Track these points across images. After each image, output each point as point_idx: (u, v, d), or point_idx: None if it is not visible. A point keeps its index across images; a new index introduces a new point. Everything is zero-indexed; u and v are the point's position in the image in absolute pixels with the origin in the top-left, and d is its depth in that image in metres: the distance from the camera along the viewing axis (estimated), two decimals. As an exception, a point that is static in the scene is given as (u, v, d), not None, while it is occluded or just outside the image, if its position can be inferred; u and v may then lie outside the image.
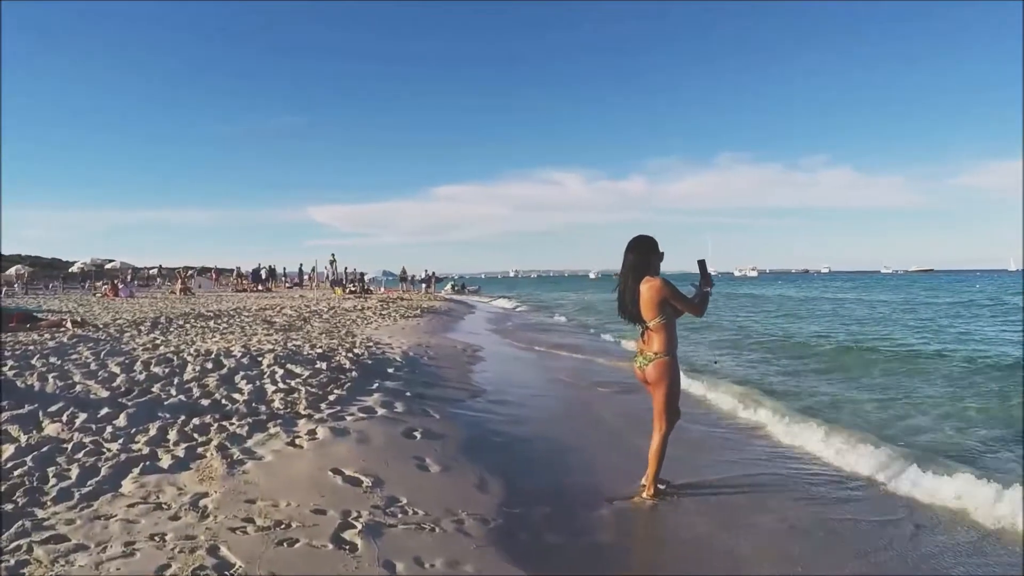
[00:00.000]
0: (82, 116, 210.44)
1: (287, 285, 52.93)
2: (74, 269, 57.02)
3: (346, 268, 50.65)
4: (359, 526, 4.40)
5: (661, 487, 5.58)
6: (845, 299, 46.88)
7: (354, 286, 46.69)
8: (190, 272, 48.35)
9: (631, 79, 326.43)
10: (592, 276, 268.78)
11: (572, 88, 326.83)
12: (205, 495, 4.87)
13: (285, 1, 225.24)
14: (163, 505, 4.69)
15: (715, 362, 13.60)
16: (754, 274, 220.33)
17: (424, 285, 53.90)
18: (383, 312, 22.67)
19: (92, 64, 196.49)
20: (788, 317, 29.84)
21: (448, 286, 63.04)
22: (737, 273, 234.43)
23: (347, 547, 4.12)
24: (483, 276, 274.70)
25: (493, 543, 4.42)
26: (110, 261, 55.05)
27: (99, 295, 34.95)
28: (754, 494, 5.71)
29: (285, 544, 4.10)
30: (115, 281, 38.30)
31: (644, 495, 5.42)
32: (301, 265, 53.68)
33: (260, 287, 45.34)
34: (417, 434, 6.80)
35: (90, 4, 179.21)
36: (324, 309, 23.30)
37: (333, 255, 46.52)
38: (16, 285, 43.63)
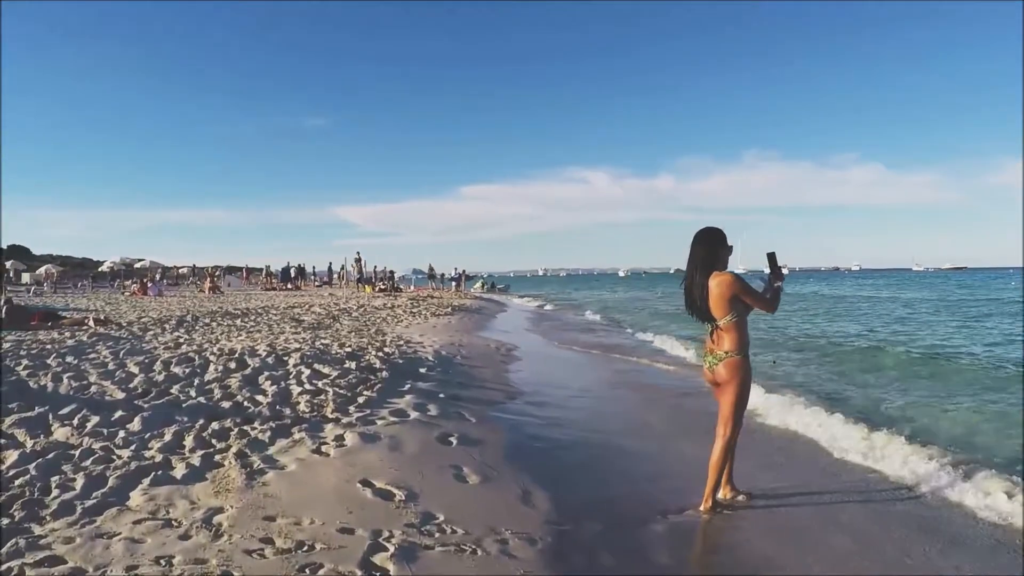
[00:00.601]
0: (114, 118, 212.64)
1: (316, 284, 52.73)
2: (104, 268, 57.35)
3: (375, 267, 50.33)
4: (391, 548, 3.87)
5: (741, 498, 5.12)
6: (879, 297, 45.69)
7: (384, 284, 46.36)
8: (218, 271, 48.26)
9: (659, 76, 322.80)
10: (621, 274, 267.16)
11: (600, 85, 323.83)
12: (220, 510, 4.38)
13: (313, 2, 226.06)
14: (173, 522, 4.19)
15: (773, 362, 12.85)
16: (785, 272, 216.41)
17: (454, 283, 53.54)
18: (413, 310, 22.24)
19: (118, 65, 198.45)
20: (824, 316, 28.90)
21: (478, 284, 62.51)
22: (767, 271, 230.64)
23: (378, 574, 3.60)
24: (512, 275, 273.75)
25: (542, 567, 3.88)
26: (140, 260, 55.29)
27: (128, 294, 34.87)
28: (821, 508, 5.14)
29: (307, 570, 3.58)
30: (144, 280, 38.26)
31: (700, 508, 4.87)
32: (331, 264, 53.40)
33: (289, 286, 45.19)
34: (453, 439, 6.29)
35: (113, 4, 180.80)
36: (354, 307, 22.91)
37: (359, 253, 45.95)
38: (45, 284, 43.75)
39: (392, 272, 49.56)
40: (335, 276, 50.92)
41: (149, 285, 36.84)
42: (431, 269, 53.63)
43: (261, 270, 55.78)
